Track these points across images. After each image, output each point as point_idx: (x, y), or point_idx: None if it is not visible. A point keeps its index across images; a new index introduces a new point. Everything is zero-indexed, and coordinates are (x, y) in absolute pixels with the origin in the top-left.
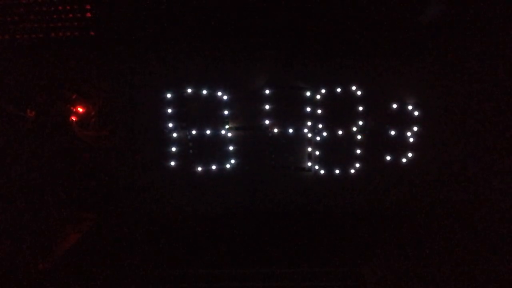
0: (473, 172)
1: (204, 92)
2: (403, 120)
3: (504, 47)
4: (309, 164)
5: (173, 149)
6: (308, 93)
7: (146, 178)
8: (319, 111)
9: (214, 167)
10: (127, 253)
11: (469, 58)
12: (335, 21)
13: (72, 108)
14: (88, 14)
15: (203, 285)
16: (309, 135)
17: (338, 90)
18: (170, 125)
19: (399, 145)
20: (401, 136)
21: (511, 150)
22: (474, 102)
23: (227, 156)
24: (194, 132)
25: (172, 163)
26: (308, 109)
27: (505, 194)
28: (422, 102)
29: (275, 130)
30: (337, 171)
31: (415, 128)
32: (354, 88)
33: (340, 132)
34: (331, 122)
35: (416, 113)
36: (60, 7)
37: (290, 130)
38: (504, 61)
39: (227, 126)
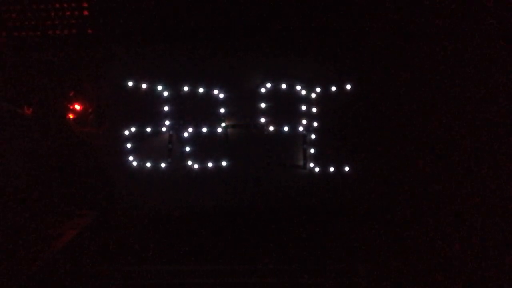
0: (475, 169)
1: (201, 90)
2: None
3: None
4: (304, 162)
5: (170, 146)
6: (303, 92)
7: (143, 175)
8: (314, 110)
9: (210, 164)
10: (124, 250)
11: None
12: (331, 21)
13: (69, 105)
14: (86, 12)
15: (200, 282)
16: (304, 133)
17: (333, 89)
18: (167, 122)
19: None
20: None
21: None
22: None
23: (223, 153)
24: (190, 130)
25: (169, 161)
26: (303, 107)
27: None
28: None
29: (271, 128)
30: (331, 169)
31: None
32: (349, 87)
33: (334, 130)
34: (325, 120)
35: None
36: (57, 5)
37: (286, 128)
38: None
39: (223, 124)
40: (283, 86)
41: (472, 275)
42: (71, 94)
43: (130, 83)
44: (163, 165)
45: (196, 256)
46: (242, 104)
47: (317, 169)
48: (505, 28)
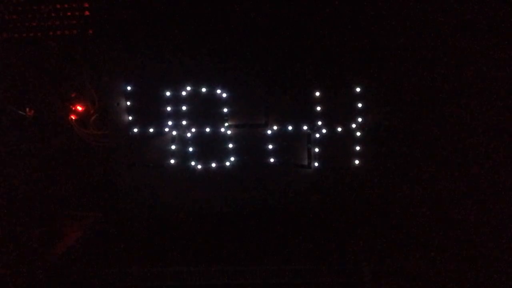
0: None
1: (204, 90)
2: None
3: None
4: (309, 161)
5: (173, 147)
6: (307, 91)
7: (146, 176)
8: (318, 108)
9: (213, 164)
10: (127, 252)
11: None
12: (336, 18)
13: (71, 106)
14: (87, 13)
15: (202, 282)
16: (309, 132)
17: (339, 87)
18: (170, 123)
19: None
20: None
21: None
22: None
23: (226, 153)
24: (193, 130)
25: (172, 161)
26: (308, 106)
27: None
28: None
29: (275, 127)
30: (336, 168)
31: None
32: (353, 85)
33: (339, 129)
34: (330, 119)
35: None
36: (58, 6)
37: (290, 127)
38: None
39: (226, 124)
40: (286, 85)
41: (476, 274)
42: (73, 95)
43: (132, 84)
44: (166, 165)
45: (200, 256)
46: (246, 103)
47: (321, 168)
48: None
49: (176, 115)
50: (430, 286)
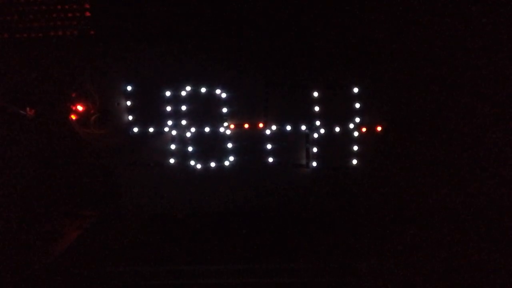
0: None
1: (203, 90)
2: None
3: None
4: (307, 161)
5: (172, 146)
6: (306, 91)
7: (146, 175)
8: (317, 108)
9: (213, 164)
10: (127, 251)
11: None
12: (334, 19)
13: (72, 106)
14: (87, 13)
15: (202, 282)
16: (307, 132)
17: (337, 87)
18: (170, 122)
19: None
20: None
21: None
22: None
23: (225, 153)
24: (193, 129)
25: (172, 161)
26: (306, 106)
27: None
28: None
29: (273, 127)
30: (334, 168)
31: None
32: (351, 85)
33: (337, 129)
34: (328, 119)
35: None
36: (59, 6)
37: (288, 127)
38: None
39: (225, 124)
40: (285, 85)
41: (477, 274)
42: (73, 95)
43: (133, 83)
44: (166, 165)
45: (200, 256)
46: (245, 103)
47: (320, 168)
48: None
49: (176, 115)
50: (429, 286)
